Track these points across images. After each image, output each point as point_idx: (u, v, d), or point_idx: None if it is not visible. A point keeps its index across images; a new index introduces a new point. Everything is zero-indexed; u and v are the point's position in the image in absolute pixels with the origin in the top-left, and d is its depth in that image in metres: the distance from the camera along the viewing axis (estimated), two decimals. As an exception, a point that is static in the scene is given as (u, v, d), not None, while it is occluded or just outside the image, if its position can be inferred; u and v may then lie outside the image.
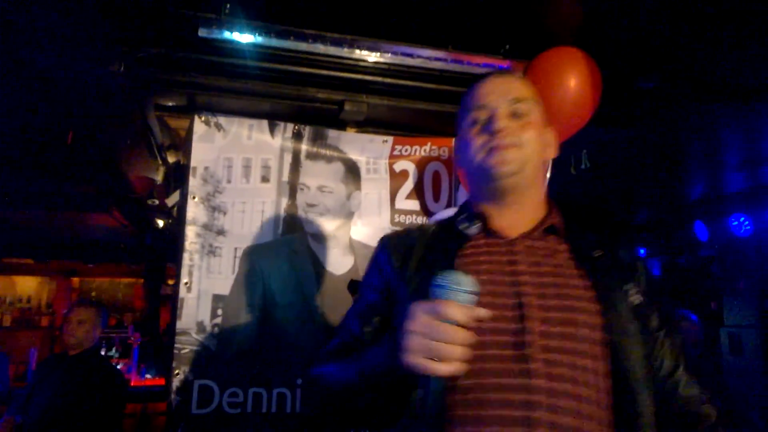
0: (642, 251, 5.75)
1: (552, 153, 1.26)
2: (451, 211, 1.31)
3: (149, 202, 3.19)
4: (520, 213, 1.18)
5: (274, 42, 2.01)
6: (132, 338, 7.26)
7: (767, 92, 2.21)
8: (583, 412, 0.97)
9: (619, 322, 1.04)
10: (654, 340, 1.11)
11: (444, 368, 0.87)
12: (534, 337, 1.00)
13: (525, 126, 1.15)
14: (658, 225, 5.39)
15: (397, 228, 2.72)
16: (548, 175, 1.27)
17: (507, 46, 2.24)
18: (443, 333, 0.88)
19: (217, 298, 2.48)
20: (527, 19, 2.12)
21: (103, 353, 7.07)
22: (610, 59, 2.18)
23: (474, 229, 1.17)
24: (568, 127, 2.24)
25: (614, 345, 1.02)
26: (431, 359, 0.88)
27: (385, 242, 1.25)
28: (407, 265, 1.14)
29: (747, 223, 4.27)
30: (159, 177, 3.06)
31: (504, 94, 1.17)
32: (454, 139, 2.74)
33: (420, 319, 0.90)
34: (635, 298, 1.09)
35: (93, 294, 7.87)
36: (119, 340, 7.45)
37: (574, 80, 2.10)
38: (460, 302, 0.90)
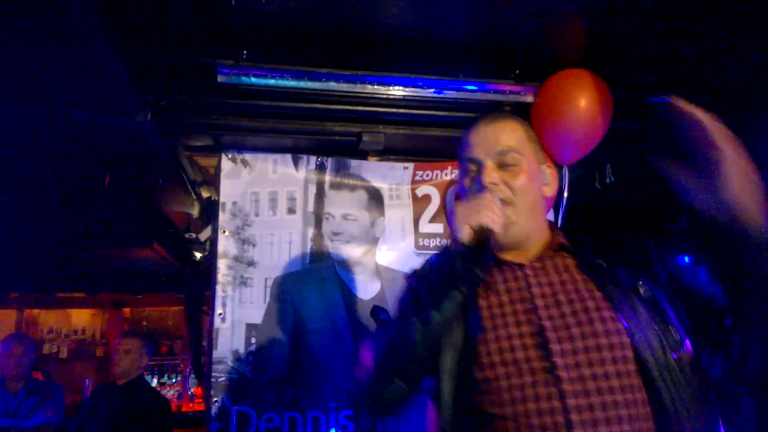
0: (687, 259, 5.59)
1: (551, 190, 1.30)
2: None
3: (186, 235, 3.33)
4: (525, 249, 1.26)
5: (290, 83, 2.11)
6: (182, 365, 7.50)
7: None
8: (620, 415, 1.04)
9: (635, 322, 1.10)
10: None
11: (484, 215, 1.09)
12: (559, 359, 1.08)
13: (514, 176, 1.20)
14: (701, 232, 5.22)
15: (423, 252, 2.78)
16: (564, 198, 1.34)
17: (517, 71, 2.27)
18: (479, 197, 1.13)
19: (250, 327, 2.58)
20: (536, 44, 2.15)
21: (155, 380, 7.36)
22: (620, 78, 2.19)
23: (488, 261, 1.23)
24: (583, 146, 2.26)
25: (634, 343, 1.08)
26: (475, 213, 1.09)
27: (413, 276, 1.35)
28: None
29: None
30: (195, 212, 3.20)
31: (491, 146, 1.21)
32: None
33: (462, 203, 1.15)
34: (645, 292, 1.16)
35: (144, 323, 8.16)
36: (170, 367, 7.70)
37: (584, 101, 2.11)
38: None
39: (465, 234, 1.10)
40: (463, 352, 1.15)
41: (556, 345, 1.10)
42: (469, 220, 1.10)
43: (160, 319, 8.30)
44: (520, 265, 1.23)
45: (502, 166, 1.21)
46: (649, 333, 1.09)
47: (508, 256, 1.25)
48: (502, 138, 1.22)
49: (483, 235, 1.09)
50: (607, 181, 2.95)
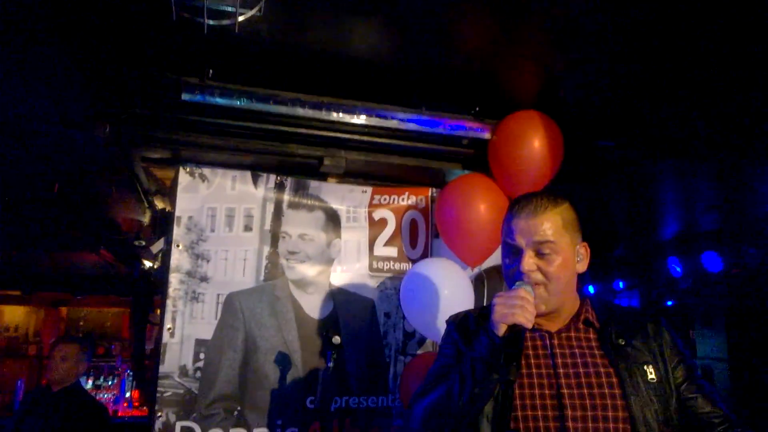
0: (621, 284, 5.90)
1: (583, 266, 1.45)
2: None
3: (136, 243, 3.27)
4: (557, 318, 1.45)
5: (256, 105, 2.12)
6: (120, 369, 7.25)
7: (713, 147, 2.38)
8: None
9: (637, 399, 1.31)
10: (679, 393, 1.37)
11: (518, 315, 1.24)
12: (569, 423, 1.29)
13: (549, 264, 1.37)
14: (636, 260, 5.53)
15: (376, 274, 2.83)
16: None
17: (477, 108, 2.36)
18: (515, 296, 1.28)
19: (199, 343, 2.56)
20: (495, 84, 2.25)
21: (90, 382, 7.09)
22: (570, 122, 2.32)
23: None
24: (535, 182, 2.37)
25: (633, 419, 1.29)
26: (510, 313, 1.25)
27: (454, 325, 1.55)
28: (470, 345, 1.45)
29: (718, 260, 4.39)
30: (146, 219, 3.15)
31: (530, 235, 1.37)
32: (431, 189, 2.88)
33: (501, 296, 1.31)
34: (653, 377, 1.36)
35: (81, 323, 7.85)
36: (107, 369, 7.44)
37: (537, 141, 2.23)
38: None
39: (501, 330, 1.27)
40: (501, 401, 1.35)
41: (570, 411, 1.31)
42: (505, 319, 1.26)
43: (98, 320, 8.00)
44: (549, 333, 1.43)
45: (539, 254, 1.37)
46: (646, 410, 1.30)
47: (541, 322, 1.43)
48: (540, 231, 1.37)
49: (516, 330, 1.26)
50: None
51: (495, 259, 2.65)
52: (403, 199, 2.88)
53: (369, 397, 2.75)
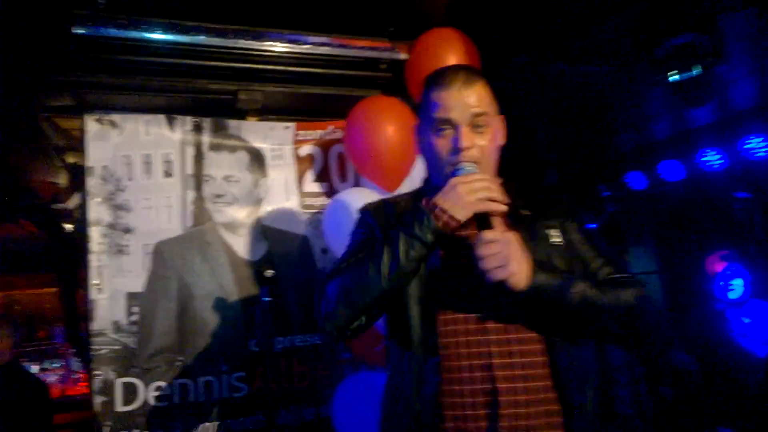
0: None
1: (503, 139, 1.38)
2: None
3: (54, 206, 3.10)
4: None
5: (156, 36, 2.01)
6: (63, 347, 7.04)
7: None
8: (527, 349, 1.26)
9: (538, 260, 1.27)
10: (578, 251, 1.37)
11: (493, 204, 1.19)
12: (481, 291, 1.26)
13: (483, 137, 1.28)
14: (566, 187, 5.71)
15: (308, 211, 2.80)
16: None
17: (391, 29, 2.32)
18: (470, 182, 1.20)
19: (131, 296, 2.48)
20: (408, 2, 2.21)
21: (37, 367, 6.86)
22: (486, 38, 2.31)
23: None
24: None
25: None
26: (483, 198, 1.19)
27: (369, 212, 1.46)
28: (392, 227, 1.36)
29: (641, 178, 4.58)
30: (62, 180, 2.99)
31: (466, 108, 1.26)
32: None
33: (452, 181, 1.22)
34: (559, 239, 1.34)
35: (17, 307, 7.54)
36: (51, 351, 7.22)
37: (453, 58, 2.21)
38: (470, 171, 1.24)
39: (463, 216, 1.20)
40: (427, 281, 1.30)
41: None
42: (476, 207, 1.20)
43: (35, 303, 7.70)
44: None
45: (473, 127, 1.27)
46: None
47: None
48: (475, 102, 1.26)
49: (481, 217, 1.19)
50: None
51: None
52: (328, 133, 2.83)
53: (314, 334, 2.75)
